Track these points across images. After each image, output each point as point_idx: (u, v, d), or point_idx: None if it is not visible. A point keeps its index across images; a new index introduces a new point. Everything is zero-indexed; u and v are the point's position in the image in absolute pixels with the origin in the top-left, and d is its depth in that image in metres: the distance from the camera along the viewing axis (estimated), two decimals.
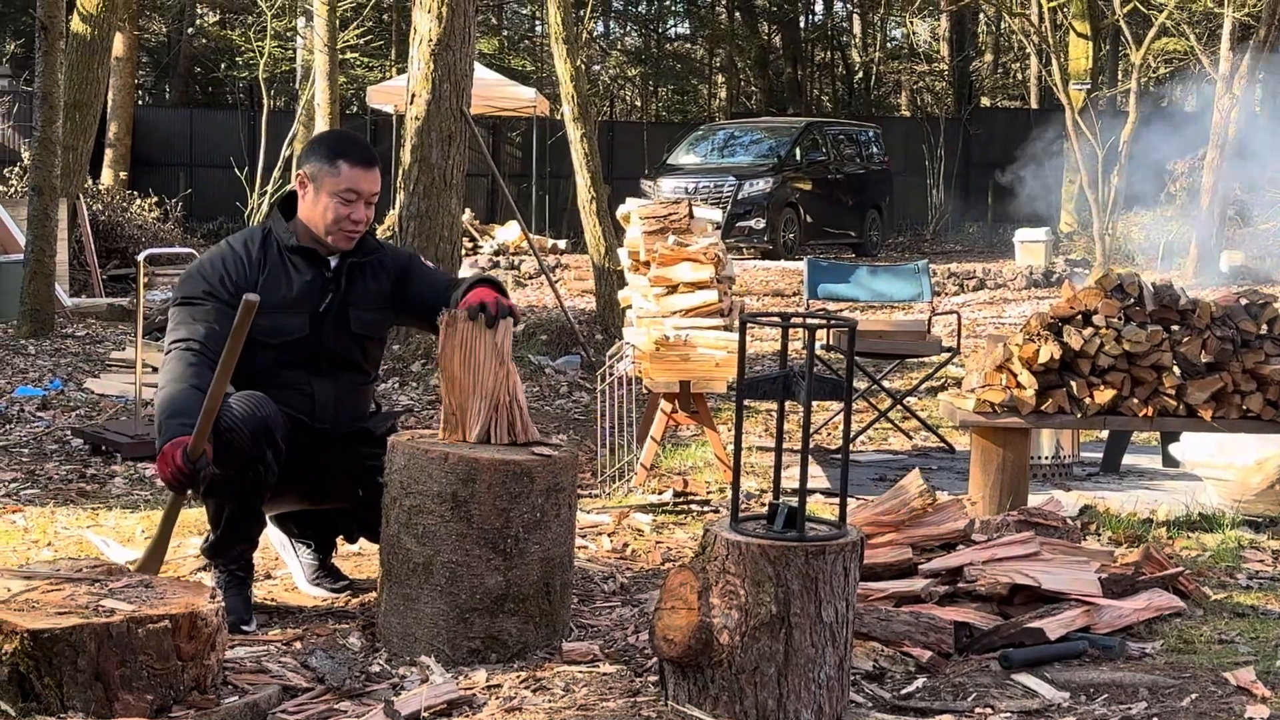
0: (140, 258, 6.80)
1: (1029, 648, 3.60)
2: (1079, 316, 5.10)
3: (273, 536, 4.35)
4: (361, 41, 20.83)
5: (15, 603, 3.09)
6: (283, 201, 4.11)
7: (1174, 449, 6.13)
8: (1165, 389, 5.09)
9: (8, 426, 6.93)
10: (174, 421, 3.68)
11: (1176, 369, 5.09)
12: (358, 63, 24.01)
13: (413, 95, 9.24)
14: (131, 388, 7.17)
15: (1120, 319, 5.07)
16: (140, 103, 26.08)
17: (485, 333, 3.65)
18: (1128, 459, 6.57)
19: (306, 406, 3.99)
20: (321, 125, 16.37)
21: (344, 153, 3.98)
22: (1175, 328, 5.10)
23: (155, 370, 7.50)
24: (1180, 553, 4.78)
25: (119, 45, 18.88)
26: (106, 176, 20.37)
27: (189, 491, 3.73)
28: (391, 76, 22.39)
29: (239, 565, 3.95)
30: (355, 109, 25.00)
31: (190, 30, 28.92)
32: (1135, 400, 5.10)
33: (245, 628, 3.82)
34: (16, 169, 15.95)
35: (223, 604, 3.21)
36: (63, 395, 7.80)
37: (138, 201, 17.05)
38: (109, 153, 21.26)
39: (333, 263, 4.05)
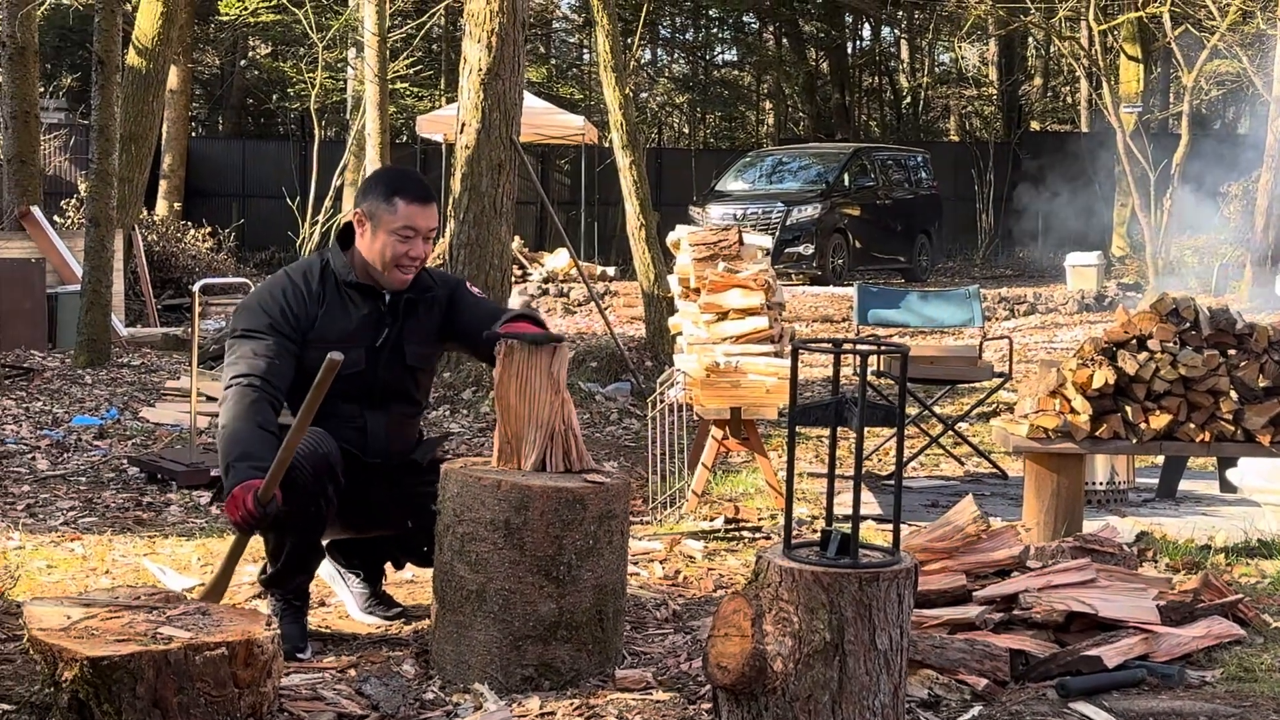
0: (195, 288, 6.87)
1: (1086, 676, 3.57)
2: (1133, 341, 5.06)
3: (323, 569, 4.34)
4: (411, 72, 20.99)
5: (75, 630, 3.12)
6: (341, 233, 4.13)
7: (1231, 474, 6.06)
8: (1222, 414, 5.04)
9: (66, 455, 7.01)
10: (243, 465, 3.70)
11: (1233, 393, 5.04)
12: (408, 92, 24.19)
13: (462, 124, 9.30)
14: (186, 417, 7.23)
15: (1176, 343, 5.03)
16: (194, 134, 26.39)
17: (541, 362, 3.67)
18: (1184, 484, 6.51)
19: (358, 439, 4.01)
20: (372, 155, 16.49)
21: (401, 190, 3.99)
22: (1232, 352, 5.06)
23: (210, 399, 7.58)
24: (1239, 579, 4.72)
25: (173, 78, 19.11)
26: (161, 207, 20.60)
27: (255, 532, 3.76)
28: (441, 106, 22.55)
29: (295, 594, 3.99)
30: (405, 138, 25.20)
31: (243, 63, 29.28)
32: (1191, 425, 5.06)
33: (300, 655, 3.84)
34: (73, 201, 16.17)
35: (278, 631, 3.23)
36: (119, 424, 7.88)
37: (191, 232, 17.24)
38: (163, 184, 21.50)
39: (388, 297, 4.06)
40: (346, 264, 4.04)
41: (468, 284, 4.34)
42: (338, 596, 4.39)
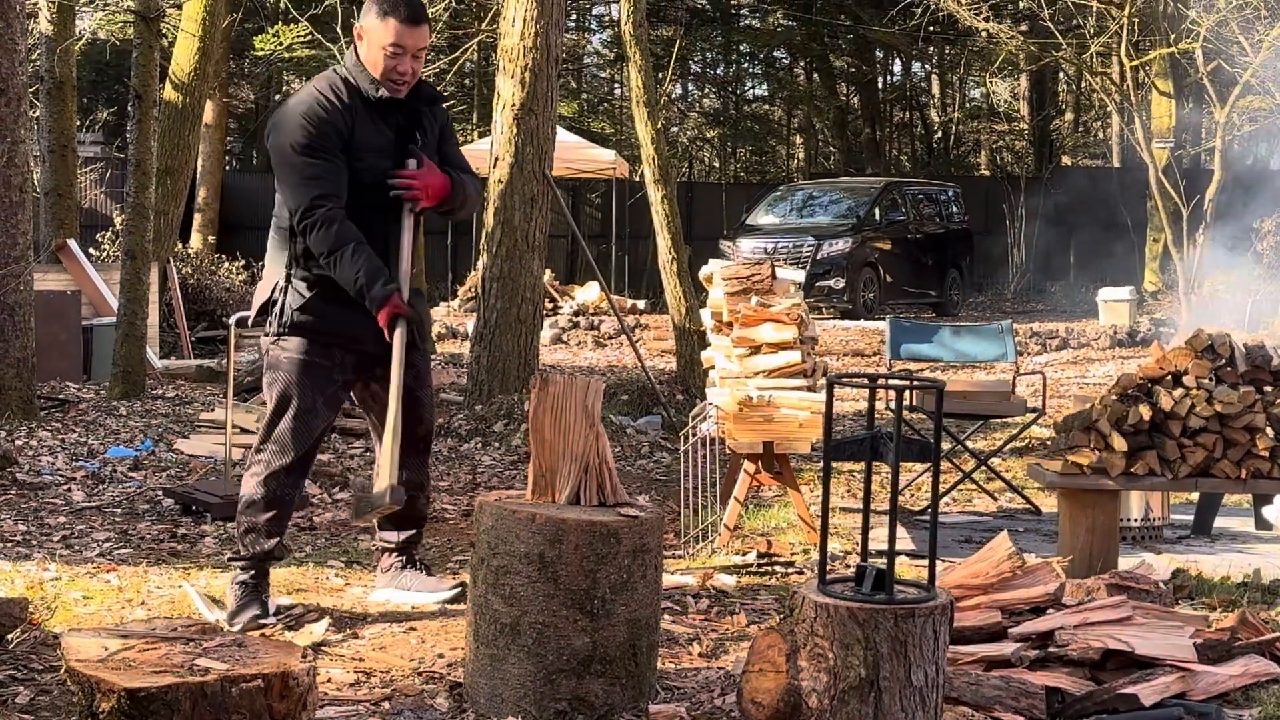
0: (231, 321, 6.92)
1: (1123, 714, 3.55)
2: (1169, 377, 5.04)
3: (384, 595, 4.75)
4: (445, 106, 21.14)
5: (112, 662, 3.14)
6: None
7: (1267, 511, 6.02)
8: (1258, 450, 5.01)
9: (101, 487, 7.05)
10: (377, 284, 4.28)
11: (1270, 430, 5.02)
12: None
13: (496, 159, 9.35)
14: (221, 449, 7.27)
15: (1211, 380, 5.01)
16: (228, 168, 26.58)
17: (576, 395, 3.69)
18: (1219, 521, 6.46)
19: (382, 246, 4.42)
20: None
21: (393, 10, 4.35)
22: (1268, 388, 5.03)
23: (244, 431, 7.61)
24: (1276, 617, 4.69)
25: (209, 112, 19.27)
26: (195, 240, 20.74)
27: None
28: (474, 140, 22.68)
29: (258, 569, 4.49)
30: None
31: (277, 97, 29.48)
32: (1227, 462, 5.03)
33: (264, 621, 4.35)
34: (108, 234, 16.30)
35: (314, 663, 3.25)
36: (154, 456, 7.93)
37: (225, 265, 17.35)
38: (198, 217, 21.64)
39: (405, 111, 4.49)
40: (373, 81, 4.40)
41: (454, 131, 4.80)
42: (373, 627, 4.40)
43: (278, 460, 4.46)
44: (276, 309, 4.46)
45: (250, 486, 4.49)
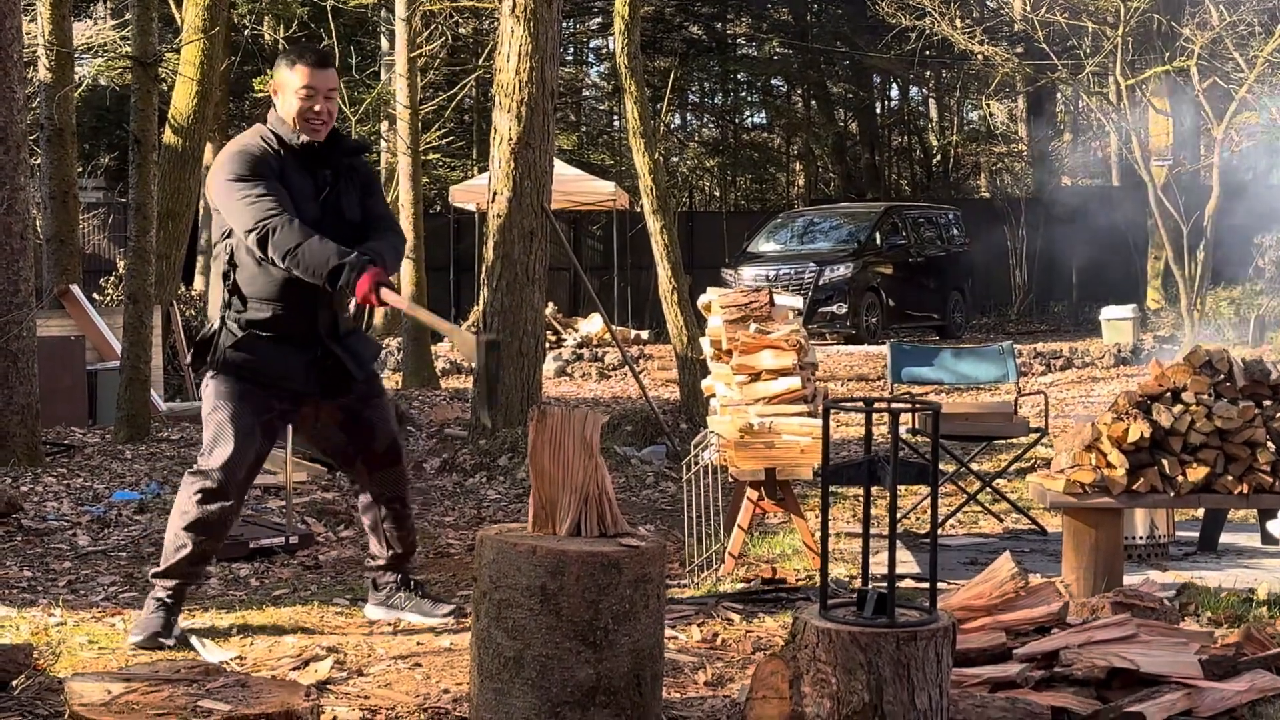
0: None
1: None
2: (1168, 394, 5.05)
3: (376, 612, 5.03)
4: (443, 143, 21.22)
5: (116, 705, 3.14)
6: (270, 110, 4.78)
7: (1272, 526, 6.01)
8: (1260, 465, 5.01)
9: (106, 531, 7.06)
10: (351, 257, 4.40)
11: (1270, 445, 5.02)
12: (440, 163, 24.41)
13: (494, 193, 9.39)
14: None
15: (1210, 395, 5.02)
16: None
17: (574, 427, 3.70)
18: (1224, 537, 6.45)
19: (310, 292, 4.55)
20: (405, 225, 16.63)
21: (300, 58, 4.70)
22: (1267, 403, 5.04)
23: None
24: None
25: (208, 155, 19.35)
26: (198, 283, 20.79)
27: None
28: (473, 175, 22.77)
29: (174, 592, 4.69)
30: (438, 208, 25.42)
31: None
32: (1229, 477, 5.03)
33: (164, 642, 4.55)
34: (111, 278, 16.34)
35: (317, 702, 3.25)
36: (159, 499, 7.92)
37: None
38: (200, 259, 21.72)
39: (328, 161, 4.72)
40: (293, 132, 4.65)
41: (379, 185, 4.98)
42: (380, 664, 4.40)
43: (213, 485, 4.66)
44: (212, 347, 4.74)
45: (185, 506, 4.70)
